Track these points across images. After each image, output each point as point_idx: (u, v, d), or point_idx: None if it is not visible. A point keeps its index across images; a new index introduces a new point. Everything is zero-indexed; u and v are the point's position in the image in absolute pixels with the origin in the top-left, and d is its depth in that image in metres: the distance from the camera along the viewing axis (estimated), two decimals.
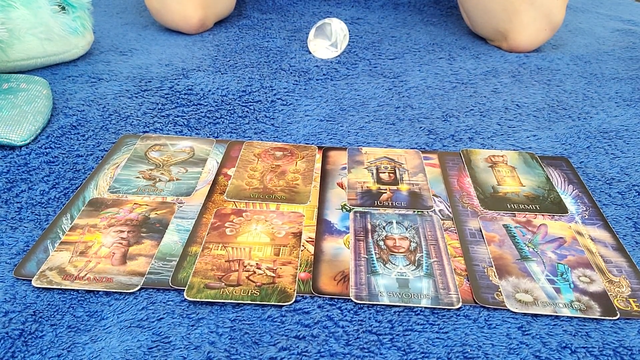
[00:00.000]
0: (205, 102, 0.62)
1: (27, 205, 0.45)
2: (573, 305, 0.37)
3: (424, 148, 0.55)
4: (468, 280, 0.39)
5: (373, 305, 0.37)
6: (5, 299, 0.36)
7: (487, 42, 0.82)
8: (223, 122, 0.59)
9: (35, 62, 0.66)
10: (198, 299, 0.36)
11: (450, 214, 0.45)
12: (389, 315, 0.36)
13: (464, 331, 0.35)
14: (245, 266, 0.39)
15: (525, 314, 0.36)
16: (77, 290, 0.37)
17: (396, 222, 0.44)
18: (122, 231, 0.42)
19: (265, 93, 0.65)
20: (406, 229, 0.43)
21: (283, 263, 0.39)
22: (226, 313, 0.36)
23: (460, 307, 0.36)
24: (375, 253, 0.41)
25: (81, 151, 0.53)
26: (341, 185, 0.49)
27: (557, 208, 0.46)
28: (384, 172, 0.50)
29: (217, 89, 0.65)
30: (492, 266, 0.40)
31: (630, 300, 0.37)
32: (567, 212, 0.46)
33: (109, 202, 0.45)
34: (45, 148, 0.52)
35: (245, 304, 0.36)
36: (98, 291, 0.37)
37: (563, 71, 0.73)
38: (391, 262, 0.40)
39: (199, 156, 0.52)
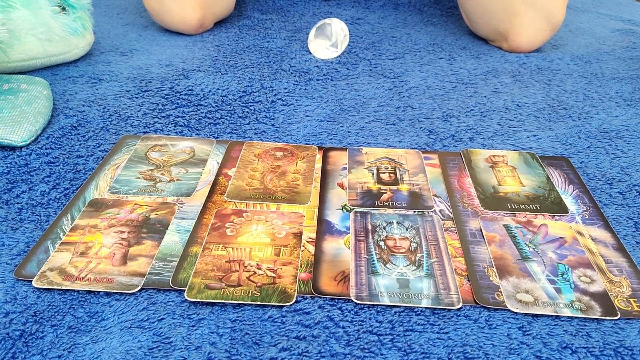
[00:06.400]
0: (206, 102, 0.62)
1: (27, 206, 0.45)
2: (574, 305, 0.36)
3: (424, 148, 0.55)
4: (468, 281, 0.39)
5: (373, 305, 0.37)
6: (5, 299, 0.36)
7: (487, 42, 0.82)
8: (223, 122, 0.59)
9: (35, 63, 0.66)
10: (198, 300, 0.36)
11: (450, 214, 0.45)
12: (390, 316, 0.36)
13: (465, 331, 0.35)
14: (245, 266, 0.39)
15: (525, 314, 0.36)
16: (78, 291, 0.37)
17: (396, 223, 0.44)
18: (122, 232, 0.42)
19: (266, 93, 0.65)
20: (406, 229, 0.43)
21: (283, 263, 0.39)
22: (227, 313, 0.36)
23: (461, 308, 0.36)
24: (376, 253, 0.41)
25: (82, 152, 0.53)
26: (341, 186, 0.49)
27: (557, 208, 0.46)
28: (385, 173, 0.50)
29: (218, 89, 0.65)
30: (492, 266, 0.40)
31: (631, 300, 0.37)
32: (568, 212, 0.46)
33: (110, 203, 0.45)
34: (46, 149, 0.53)
35: (245, 305, 0.36)
36: (98, 292, 0.37)
37: (563, 71, 0.73)
38: (392, 263, 0.40)
39: (199, 157, 0.52)
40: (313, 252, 0.41)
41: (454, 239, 0.42)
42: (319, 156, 0.53)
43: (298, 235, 0.42)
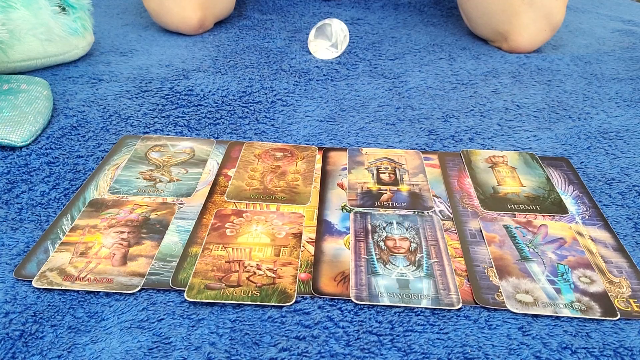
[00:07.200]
0: (206, 102, 0.62)
1: (27, 206, 0.45)
2: (573, 306, 0.36)
3: (424, 148, 0.55)
4: (468, 281, 0.39)
5: (373, 305, 0.37)
6: (5, 299, 0.36)
7: (487, 42, 0.82)
8: (223, 122, 0.59)
9: (35, 63, 0.66)
10: (198, 300, 0.36)
11: (450, 215, 0.45)
12: (390, 316, 0.36)
13: (465, 332, 0.35)
14: (245, 267, 0.39)
15: (525, 315, 0.36)
16: (78, 291, 0.37)
17: (396, 223, 0.44)
18: (122, 232, 0.42)
19: (266, 94, 0.65)
20: (406, 230, 0.43)
21: (283, 264, 0.39)
22: (226, 314, 0.36)
23: (461, 308, 0.36)
24: (376, 254, 0.41)
25: (81, 152, 0.53)
26: (341, 186, 0.49)
27: (557, 208, 0.46)
28: (384, 173, 0.50)
29: (218, 89, 0.65)
30: (492, 267, 0.40)
31: (631, 300, 0.37)
32: (568, 213, 0.46)
33: (110, 203, 0.45)
34: (46, 149, 0.53)
35: (245, 305, 0.36)
36: (98, 292, 0.37)
37: (563, 71, 0.73)
38: (391, 263, 0.40)
39: (199, 157, 0.52)
40: (313, 253, 0.41)
41: (454, 240, 0.42)
42: (318, 156, 0.53)
43: (298, 236, 0.42)
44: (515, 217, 0.45)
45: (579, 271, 0.40)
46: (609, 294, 0.38)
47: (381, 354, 0.33)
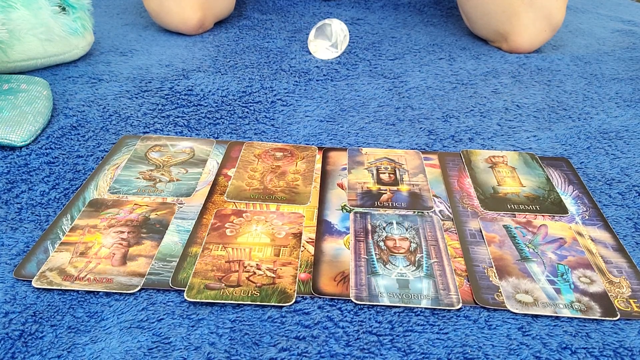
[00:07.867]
0: (206, 102, 0.62)
1: (27, 206, 0.45)
2: (573, 306, 0.36)
3: (424, 149, 0.55)
4: (468, 281, 0.39)
5: (373, 306, 0.37)
6: (5, 299, 0.36)
7: (487, 42, 0.82)
8: (223, 122, 0.59)
9: (35, 63, 0.66)
10: (198, 300, 0.36)
11: (450, 215, 0.45)
12: (389, 316, 0.36)
13: (464, 332, 0.35)
14: (245, 267, 0.39)
15: (525, 315, 0.36)
16: (77, 291, 0.37)
17: (396, 223, 0.44)
18: (122, 232, 0.42)
19: (266, 94, 0.65)
20: (406, 230, 0.43)
21: (283, 264, 0.39)
22: (226, 314, 0.36)
23: (461, 308, 0.36)
24: (376, 254, 0.41)
25: (81, 152, 0.53)
26: (341, 186, 0.49)
27: (557, 209, 0.46)
28: (384, 173, 0.50)
29: (217, 89, 0.65)
30: (492, 267, 0.40)
31: (631, 300, 0.37)
32: (568, 213, 0.46)
33: (109, 203, 0.45)
34: (46, 149, 0.53)
35: (245, 305, 0.36)
36: (98, 292, 0.37)
37: (563, 72, 0.73)
38: (391, 263, 0.40)
39: (199, 157, 0.52)
40: (313, 253, 0.41)
41: (454, 240, 0.42)
42: (318, 156, 0.53)
43: (298, 236, 0.42)
44: (515, 217, 0.45)
45: (578, 271, 0.39)
46: (609, 294, 0.38)
47: (381, 354, 0.33)
